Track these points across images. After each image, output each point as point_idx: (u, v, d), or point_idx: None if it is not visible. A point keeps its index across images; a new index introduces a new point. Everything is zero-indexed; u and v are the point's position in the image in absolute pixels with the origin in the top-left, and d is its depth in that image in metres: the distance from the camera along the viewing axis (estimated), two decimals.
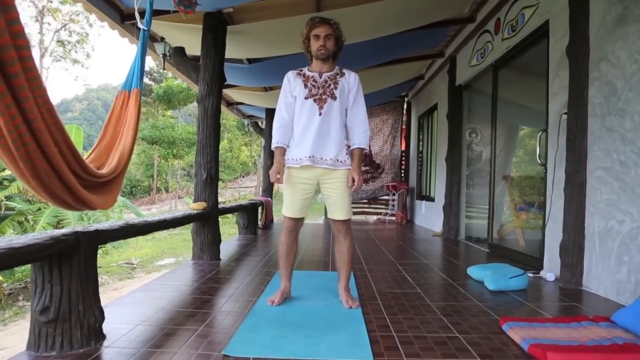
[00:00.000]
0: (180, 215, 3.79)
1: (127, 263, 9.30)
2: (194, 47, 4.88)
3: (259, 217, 7.73)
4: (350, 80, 2.76)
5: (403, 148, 10.53)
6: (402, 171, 10.51)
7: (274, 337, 2.18)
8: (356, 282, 3.39)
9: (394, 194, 9.85)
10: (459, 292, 3.19)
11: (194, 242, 4.39)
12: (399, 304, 2.83)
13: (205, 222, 4.33)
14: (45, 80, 27.21)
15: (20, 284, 7.27)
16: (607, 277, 3.05)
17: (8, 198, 8.66)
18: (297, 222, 2.84)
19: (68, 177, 2.10)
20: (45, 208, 8.61)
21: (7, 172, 8.48)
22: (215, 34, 4.41)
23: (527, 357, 1.96)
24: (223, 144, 30.12)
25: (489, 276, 3.30)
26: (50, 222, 8.30)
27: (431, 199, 8.14)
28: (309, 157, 2.67)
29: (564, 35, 3.57)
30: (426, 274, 3.79)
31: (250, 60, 6.38)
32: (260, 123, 11.16)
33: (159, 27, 4.92)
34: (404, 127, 10.52)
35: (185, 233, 13.14)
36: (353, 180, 2.68)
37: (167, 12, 4.17)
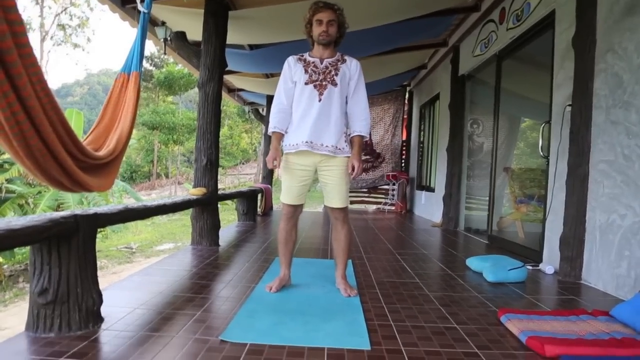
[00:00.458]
0: (180, 200, 3.78)
1: (126, 247, 9.34)
2: (195, 31, 4.83)
3: (259, 204, 7.73)
4: (352, 67, 2.73)
5: (404, 138, 10.49)
6: (403, 161, 10.48)
7: (272, 323, 2.18)
8: (355, 271, 3.39)
9: (394, 184, 9.84)
10: (457, 282, 3.19)
11: (193, 228, 4.39)
12: (397, 293, 2.83)
13: (205, 207, 4.32)
14: (45, 64, 27.07)
15: (21, 266, 7.30)
16: (607, 271, 3.04)
17: (9, 181, 8.65)
18: (296, 209, 2.82)
19: (64, 157, 2.08)
20: (45, 191, 8.62)
21: (7, 156, 8.46)
22: (216, 18, 4.35)
23: (525, 349, 1.96)
24: (223, 131, 30.02)
25: (488, 268, 3.30)
26: (50, 206, 8.31)
27: (431, 190, 8.12)
28: (306, 142, 2.64)
29: (570, 25, 3.53)
30: (425, 264, 3.79)
31: (251, 47, 6.32)
32: (261, 110, 11.12)
33: (160, 11, 4.86)
34: (405, 116, 10.47)
35: (184, 218, 13.17)
36: (353, 168, 2.66)
37: None
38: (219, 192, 4.80)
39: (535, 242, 4.18)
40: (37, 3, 26.16)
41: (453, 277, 3.34)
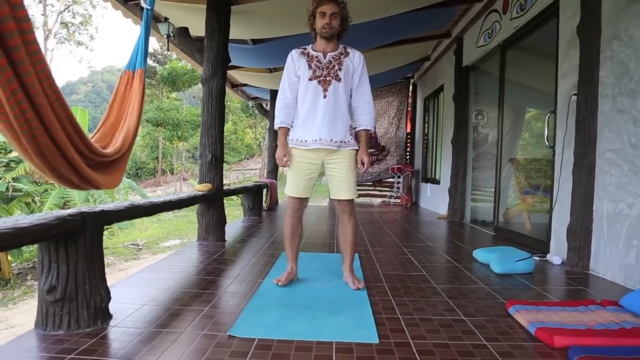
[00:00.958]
0: (186, 196, 3.79)
1: (132, 244, 9.38)
2: (197, 27, 4.82)
3: (264, 199, 7.73)
4: (355, 60, 2.72)
5: (408, 130, 10.46)
6: (408, 153, 10.45)
7: (279, 318, 2.18)
8: (361, 264, 3.39)
9: (399, 177, 9.82)
10: (464, 274, 3.18)
11: (199, 224, 4.40)
12: (404, 286, 2.83)
13: (211, 203, 4.33)
14: (49, 62, 27.12)
15: (29, 264, 7.35)
16: (615, 261, 3.03)
17: (15, 180, 8.69)
18: (302, 202, 2.82)
19: (72, 155, 2.08)
20: (52, 189, 8.65)
21: (14, 154, 8.49)
22: (219, 14, 4.33)
23: (534, 340, 1.95)
24: (227, 126, 30.06)
25: (495, 259, 3.28)
26: (56, 204, 8.34)
27: (436, 182, 8.10)
28: (316, 140, 2.65)
29: (575, 13, 3.49)
30: (431, 257, 3.79)
31: (254, 41, 6.30)
32: (264, 105, 11.10)
33: (163, 7, 4.85)
34: (409, 109, 10.43)
35: (190, 215, 13.20)
36: (362, 163, 2.68)
37: None
38: (224, 187, 4.80)
39: (542, 233, 4.16)
40: (40, 1, 26.20)
41: (460, 269, 3.34)
